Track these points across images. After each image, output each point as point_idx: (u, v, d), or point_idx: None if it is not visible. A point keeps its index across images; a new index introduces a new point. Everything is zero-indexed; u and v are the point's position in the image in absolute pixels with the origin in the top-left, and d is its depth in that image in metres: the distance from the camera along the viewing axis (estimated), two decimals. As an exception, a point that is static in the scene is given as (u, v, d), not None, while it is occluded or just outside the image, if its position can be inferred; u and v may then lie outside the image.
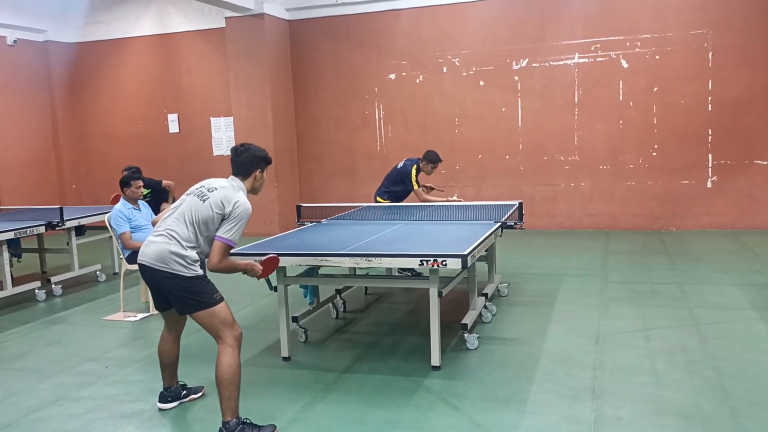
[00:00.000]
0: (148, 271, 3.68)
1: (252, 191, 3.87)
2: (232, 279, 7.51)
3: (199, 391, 4.25)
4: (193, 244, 3.64)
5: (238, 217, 3.59)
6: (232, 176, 3.82)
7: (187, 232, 3.63)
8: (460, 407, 3.88)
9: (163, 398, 4.08)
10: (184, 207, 3.70)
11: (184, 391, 4.18)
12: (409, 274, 6.58)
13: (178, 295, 3.63)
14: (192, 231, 3.64)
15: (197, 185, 3.82)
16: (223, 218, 3.61)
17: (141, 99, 12.23)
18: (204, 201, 3.65)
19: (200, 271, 3.66)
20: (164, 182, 8.04)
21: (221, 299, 3.66)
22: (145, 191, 7.85)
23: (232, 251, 3.83)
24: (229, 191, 3.67)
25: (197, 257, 3.66)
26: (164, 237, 3.65)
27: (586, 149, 9.98)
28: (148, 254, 3.66)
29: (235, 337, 3.63)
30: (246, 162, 3.80)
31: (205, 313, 3.60)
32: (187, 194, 3.79)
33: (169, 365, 4.06)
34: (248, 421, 3.63)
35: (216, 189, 3.69)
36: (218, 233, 3.59)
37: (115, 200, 8.13)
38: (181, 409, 4.07)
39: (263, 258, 3.99)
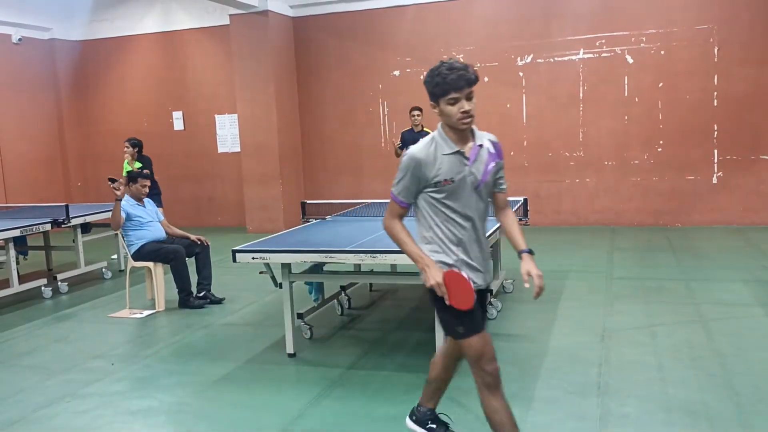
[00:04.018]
0: None
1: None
2: (233, 276, 7.55)
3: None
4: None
5: None
6: None
7: None
8: (466, 403, 3.87)
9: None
10: None
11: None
12: None
13: None
14: None
15: None
16: None
17: (146, 96, 12.25)
18: None
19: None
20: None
21: None
22: (138, 164, 8.49)
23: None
24: None
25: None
26: None
27: (591, 145, 9.95)
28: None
29: None
30: None
31: None
32: None
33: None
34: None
35: None
36: None
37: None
38: (184, 405, 4.08)
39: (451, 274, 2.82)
